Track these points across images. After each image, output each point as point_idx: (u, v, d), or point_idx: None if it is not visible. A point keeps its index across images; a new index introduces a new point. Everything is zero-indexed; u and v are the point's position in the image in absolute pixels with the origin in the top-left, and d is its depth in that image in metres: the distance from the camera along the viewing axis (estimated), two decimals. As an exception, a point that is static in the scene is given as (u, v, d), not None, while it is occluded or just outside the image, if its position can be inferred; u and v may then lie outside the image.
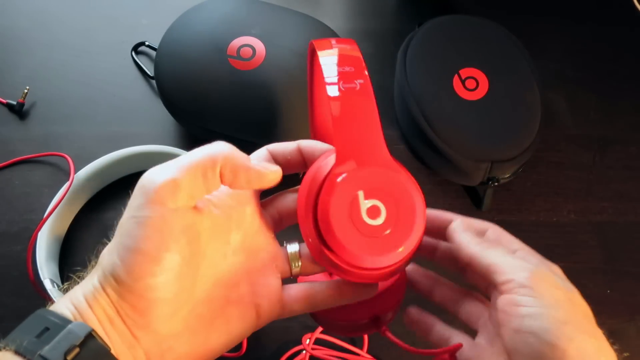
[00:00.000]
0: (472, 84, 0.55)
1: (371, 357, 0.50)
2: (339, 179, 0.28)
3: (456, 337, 0.33)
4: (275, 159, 0.32)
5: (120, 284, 0.26)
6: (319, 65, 0.30)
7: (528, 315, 0.25)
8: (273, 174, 0.30)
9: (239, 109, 0.53)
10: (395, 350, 0.51)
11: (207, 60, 0.53)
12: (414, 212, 0.29)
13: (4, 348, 0.25)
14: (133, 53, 0.63)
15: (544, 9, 0.70)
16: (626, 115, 0.64)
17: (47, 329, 0.25)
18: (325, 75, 0.29)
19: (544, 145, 0.59)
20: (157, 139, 0.58)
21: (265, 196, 0.34)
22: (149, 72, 0.62)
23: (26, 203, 0.55)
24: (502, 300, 0.27)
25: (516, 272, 0.26)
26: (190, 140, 0.59)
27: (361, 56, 0.30)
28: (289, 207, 0.33)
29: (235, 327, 0.30)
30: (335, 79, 0.29)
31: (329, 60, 0.30)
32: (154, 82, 0.59)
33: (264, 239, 0.32)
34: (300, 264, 0.33)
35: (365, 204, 0.28)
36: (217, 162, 0.28)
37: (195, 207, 0.29)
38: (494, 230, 0.32)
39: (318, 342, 0.50)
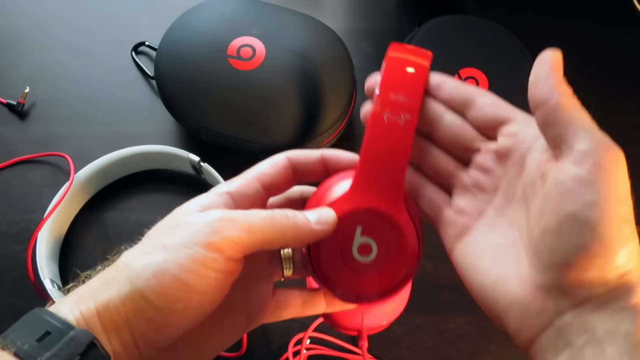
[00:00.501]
0: (472, 84, 0.55)
1: (371, 356, 0.50)
2: (341, 213, 0.28)
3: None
4: (295, 167, 0.32)
5: (146, 301, 0.26)
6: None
7: (592, 203, 0.22)
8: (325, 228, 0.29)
9: (239, 109, 0.53)
10: (394, 350, 0.51)
11: (207, 60, 0.54)
12: (405, 259, 0.29)
13: (2, 348, 0.24)
14: (133, 53, 0.63)
15: (544, 9, 0.70)
16: (626, 115, 0.64)
17: (48, 332, 0.25)
18: (376, 93, 0.28)
19: (544, 145, 0.59)
20: (157, 139, 0.58)
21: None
22: (149, 72, 0.62)
23: (26, 203, 0.55)
24: (562, 172, 0.23)
25: (594, 146, 0.23)
26: (190, 140, 0.59)
27: (425, 78, 0.29)
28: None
29: (228, 335, 0.31)
30: (383, 105, 0.28)
31: (388, 78, 0.28)
32: (154, 82, 0.59)
33: None
34: (292, 266, 0.33)
35: (359, 240, 0.28)
36: (284, 238, 0.28)
37: (240, 260, 0.28)
38: (486, 96, 0.29)
39: (318, 341, 0.50)
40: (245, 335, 0.48)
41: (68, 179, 0.52)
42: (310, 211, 0.28)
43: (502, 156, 0.29)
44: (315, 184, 0.33)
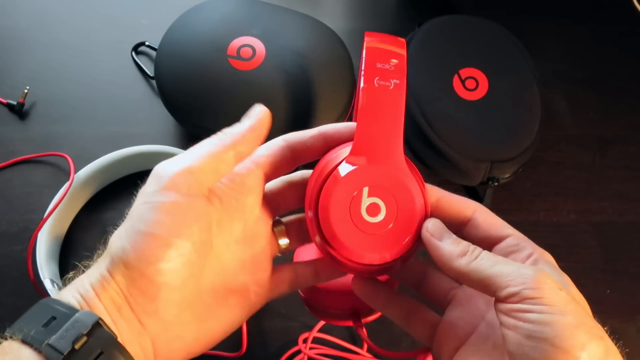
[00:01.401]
0: (472, 84, 0.55)
1: (371, 356, 0.50)
2: (345, 173, 0.28)
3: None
4: (293, 147, 0.32)
5: (129, 268, 0.26)
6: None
7: (540, 321, 0.24)
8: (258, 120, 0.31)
9: (239, 109, 0.52)
10: (394, 350, 0.51)
11: (207, 60, 0.54)
12: (413, 216, 0.29)
13: (10, 337, 0.25)
14: (133, 53, 0.63)
15: (544, 9, 0.70)
16: (626, 115, 0.64)
17: (53, 318, 0.25)
18: (363, 67, 0.30)
19: (544, 145, 0.59)
20: (157, 139, 0.58)
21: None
22: (149, 72, 0.62)
23: (26, 203, 0.55)
24: (508, 307, 0.26)
25: (517, 284, 0.25)
26: (190, 140, 0.59)
27: (405, 56, 0.31)
28: (295, 196, 0.33)
29: (235, 315, 0.31)
30: (372, 74, 0.29)
31: (372, 54, 0.30)
32: (154, 82, 0.59)
33: (263, 227, 0.32)
34: (287, 241, 0.33)
35: (367, 200, 0.29)
36: (229, 149, 0.29)
37: (207, 197, 0.29)
38: (480, 213, 0.31)
39: (318, 341, 0.50)
40: (245, 335, 0.48)
41: (68, 179, 0.52)
42: (243, 119, 0.31)
43: None
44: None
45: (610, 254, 0.56)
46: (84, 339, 0.24)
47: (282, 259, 0.34)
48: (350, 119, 0.58)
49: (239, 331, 0.48)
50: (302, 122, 0.53)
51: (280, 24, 0.56)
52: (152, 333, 0.27)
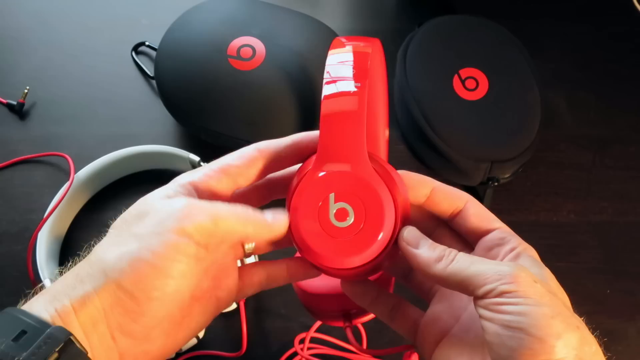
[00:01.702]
0: (472, 84, 0.55)
1: (369, 356, 0.50)
2: (310, 181, 0.29)
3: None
4: (267, 157, 0.31)
5: (121, 290, 0.26)
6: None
7: (516, 312, 0.25)
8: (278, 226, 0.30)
9: (239, 109, 0.53)
10: (397, 345, 0.50)
11: (207, 60, 0.54)
12: (381, 217, 0.29)
13: None
14: (133, 53, 0.63)
15: (543, 9, 0.70)
16: (626, 115, 0.64)
17: (24, 332, 0.25)
18: (325, 75, 0.30)
19: (544, 145, 0.59)
20: (157, 139, 0.58)
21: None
22: (149, 72, 0.62)
23: (26, 203, 0.55)
24: (486, 301, 0.26)
25: (494, 280, 0.26)
26: (190, 140, 0.59)
27: (368, 55, 0.31)
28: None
29: (198, 322, 0.31)
30: (332, 79, 0.30)
31: (334, 60, 0.30)
32: (154, 82, 0.59)
33: None
34: (253, 245, 0.33)
35: (334, 206, 0.29)
36: (245, 231, 0.29)
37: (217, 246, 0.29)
38: (472, 204, 0.31)
39: (317, 341, 0.50)
40: (245, 336, 0.48)
41: (68, 179, 0.52)
42: (268, 211, 0.30)
43: None
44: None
45: (610, 254, 0.56)
46: (55, 355, 0.24)
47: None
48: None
49: (239, 331, 0.48)
50: (302, 122, 0.53)
51: (280, 24, 0.56)
52: (121, 349, 0.27)
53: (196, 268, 0.28)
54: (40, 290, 0.28)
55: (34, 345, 0.24)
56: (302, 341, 0.48)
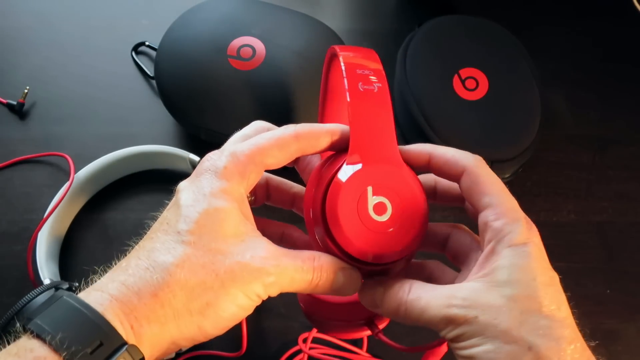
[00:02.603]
0: (472, 84, 0.55)
1: (370, 356, 0.50)
2: (348, 175, 0.29)
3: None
4: (303, 144, 0.30)
5: (202, 331, 0.26)
6: (337, 69, 0.31)
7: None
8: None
9: (239, 109, 0.53)
10: (394, 350, 0.50)
11: (207, 60, 0.54)
12: (418, 212, 0.29)
13: (54, 350, 0.23)
14: (133, 53, 0.63)
15: (543, 9, 0.70)
16: (626, 115, 0.64)
17: (101, 344, 0.23)
18: (345, 75, 0.30)
19: (544, 145, 0.59)
20: (157, 139, 0.58)
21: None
22: (149, 72, 0.62)
23: (26, 203, 0.55)
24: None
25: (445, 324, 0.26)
26: (190, 140, 0.59)
27: (381, 65, 0.31)
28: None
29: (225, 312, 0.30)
30: (355, 80, 0.30)
31: (350, 63, 0.31)
32: (154, 82, 0.59)
33: None
34: (253, 198, 0.34)
35: (372, 200, 0.29)
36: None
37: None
38: (468, 174, 0.29)
39: (317, 341, 0.50)
40: (245, 335, 0.48)
41: (68, 179, 0.52)
42: (339, 271, 0.29)
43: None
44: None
45: (610, 254, 0.56)
46: None
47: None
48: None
49: (239, 331, 0.48)
50: (302, 122, 0.53)
51: (280, 24, 0.56)
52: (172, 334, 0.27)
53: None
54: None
55: None
56: (304, 340, 0.48)
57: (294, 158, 0.30)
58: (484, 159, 0.54)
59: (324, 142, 0.30)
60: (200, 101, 0.53)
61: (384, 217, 0.29)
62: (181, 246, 0.26)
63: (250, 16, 0.56)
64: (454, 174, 0.30)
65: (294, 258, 0.28)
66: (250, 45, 0.54)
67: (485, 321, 0.25)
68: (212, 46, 0.54)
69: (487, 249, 0.27)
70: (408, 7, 0.70)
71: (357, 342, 0.51)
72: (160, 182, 0.57)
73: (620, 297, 0.54)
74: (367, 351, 0.50)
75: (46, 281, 0.47)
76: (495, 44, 0.58)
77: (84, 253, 0.54)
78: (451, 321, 0.25)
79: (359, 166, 0.29)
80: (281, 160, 0.30)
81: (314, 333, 0.49)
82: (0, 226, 0.54)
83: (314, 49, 0.55)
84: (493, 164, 0.53)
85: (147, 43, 0.64)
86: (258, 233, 0.28)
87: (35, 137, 0.59)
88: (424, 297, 0.27)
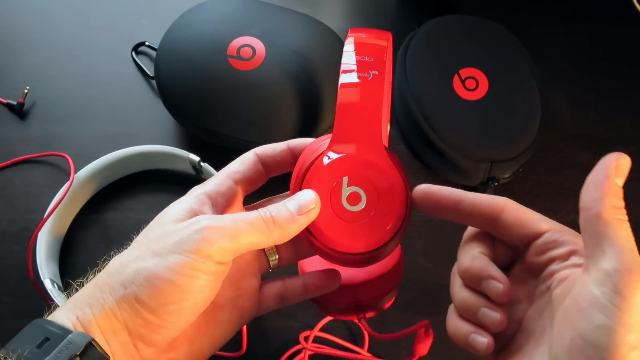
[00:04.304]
0: (472, 84, 0.55)
1: (371, 355, 0.50)
2: (324, 164, 0.29)
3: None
4: (264, 161, 0.33)
5: (141, 304, 0.27)
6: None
7: (602, 326, 0.22)
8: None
9: (239, 109, 0.53)
10: (394, 350, 0.51)
11: (207, 60, 0.54)
12: (396, 202, 0.29)
13: (4, 358, 0.25)
14: (133, 53, 0.63)
15: (543, 9, 0.70)
16: (626, 115, 0.64)
17: (47, 339, 0.25)
18: (342, 62, 0.30)
19: (544, 145, 0.59)
20: (157, 139, 0.58)
21: (255, 198, 0.35)
22: (149, 72, 0.62)
23: (26, 203, 0.55)
24: (581, 289, 0.24)
25: (618, 265, 0.23)
26: (190, 140, 0.59)
27: (386, 47, 0.31)
28: None
29: (224, 331, 0.32)
30: (351, 67, 0.30)
31: (351, 48, 0.30)
32: (154, 82, 0.59)
33: None
34: (277, 257, 0.34)
35: (347, 190, 0.29)
36: (269, 238, 0.28)
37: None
38: (510, 211, 0.29)
39: (318, 340, 0.50)
40: (245, 335, 0.48)
41: (68, 179, 0.52)
42: (291, 200, 0.29)
43: (533, 271, 0.29)
44: (286, 177, 0.33)
45: (610, 254, 0.56)
46: (77, 359, 0.25)
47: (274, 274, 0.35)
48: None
49: (239, 331, 0.48)
50: (302, 122, 0.53)
51: (280, 24, 0.56)
52: (145, 357, 0.28)
53: (216, 282, 0.28)
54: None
55: (55, 350, 0.25)
56: (306, 339, 0.48)
57: (262, 175, 0.33)
58: (484, 159, 0.55)
59: (283, 156, 0.32)
60: (200, 101, 0.53)
61: (358, 207, 0.29)
62: (129, 250, 0.29)
63: (250, 16, 0.56)
64: (489, 213, 0.29)
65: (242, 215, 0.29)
66: (250, 45, 0.54)
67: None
68: (212, 46, 0.54)
69: (571, 260, 0.27)
70: (408, 7, 0.70)
71: (359, 342, 0.51)
72: (160, 182, 0.57)
73: (620, 297, 0.54)
74: (368, 351, 0.50)
75: (46, 281, 0.47)
76: (495, 44, 0.58)
77: (84, 253, 0.54)
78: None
79: (337, 155, 0.29)
80: (244, 171, 0.32)
81: (315, 332, 0.49)
82: (0, 226, 0.54)
83: (314, 49, 0.55)
84: (493, 164, 0.53)
85: (147, 43, 0.64)
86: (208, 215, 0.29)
87: (35, 137, 0.59)
88: None
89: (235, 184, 0.32)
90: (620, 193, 0.26)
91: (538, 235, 0.28)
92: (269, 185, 0.35)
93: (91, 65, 0.63)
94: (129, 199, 0.56)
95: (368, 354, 0.50)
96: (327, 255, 0.30)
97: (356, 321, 0.38)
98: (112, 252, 0.30)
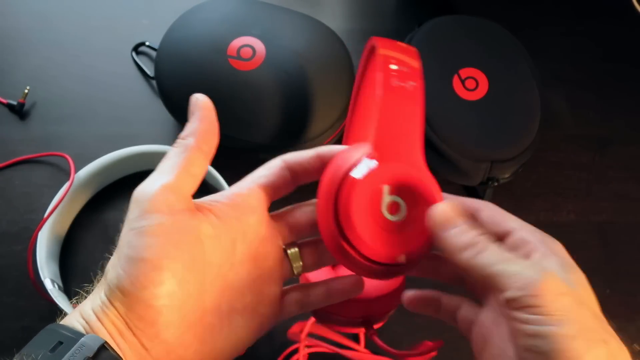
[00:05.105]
0: (472, 84, 0.55)
1: (367, 351, 0.50)
2: (367, 170, 0.28)
3: (465, 305, 0.32)
4: (292, 168, 0.32)
5: (126, 295, 0.27)
6: (375, 61, 0.30)
7: (536, 335, 0.24)
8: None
9: (239, 109, 0.53)
10: (397, 345, 0.50)
11: (207, 60, 0.54)
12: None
13: None
14: (133, 53, 0.63)
15: (543, 9, 0.70)
16: (626, 115, 0.64)
17: (60, 342, 0.26)
18: (380, 68, 0.29)
19: (544, 145, 0.59)
20: (157, 139, 0.58)
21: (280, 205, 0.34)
22: (149, 72, 0.62)
23: (26, 203, 0.55)
24: (509, 313, 0.25)
25: (518, 288, 0.24)
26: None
27: (419, 64, 0.31)
28: (305, 218, 0.33)
29: (241, 336, 0.31)
30: (389, 75, 0.29)
31: (388, 57, 0.30)
32: (154, 82, 0.59)
33: (271, 247, 0.32)
34: (301, 264, 0.33)
35: (387, 198, 0.28)
36: (195, 151, 0.30)
37: (191, 212, 0.29)
38: (488, 210, 0.30)
39: (318, 339, 0.50)
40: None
41: (68, 179, 0.52)
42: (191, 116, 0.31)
43: None
44: (316, 183, 0.33)
45: (610, 254, 0.56)
46: None
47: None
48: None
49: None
50: (302, 122, 0.53)
51: (280, 24, 0.56)
52: (155, 356, 0.27)
53: (180, 239, 0.28)
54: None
55: (68, 353, 0.25)
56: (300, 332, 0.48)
57: (289, 184, 0.32)
58: (484, 159, 0.55)
59: (312, 164, 0.32)
60: (200, 101, 0.53)
61: (398, 217, 0.28)
62: None
63: (250, 16, 0.56)
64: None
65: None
66: (250, 45, 0.54)
67: (558, 306, 0.25)
68: (212, 46, 0.54)
69: (534, 258, 0.28)
70: (408, 7, 0.70)
71: (355, 337, 0.51)
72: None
73: (620, 297, 0.54)
74: (365, 347, 0.50)
75: (46, 281, 0.47)
76: (495, 44, 0.58)
77: (84, 253, 0.54)
78: (526, 287, 0.25)
79: (378, 163, 0.28)
80: (269, 175, 0.32)
81: (309, 325, 0.49)
82: (1, 226, 0.54)
83: (314, 49, 0.55)
84: (493, 164, 0.53)
85: (147, 43, 0.64)
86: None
87: (36, 137, 0.59)
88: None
89: (259, 189, 0.31)
90: (459, 229, 0.27)
91: (507, 233, 0.29)
92: (298, 193, 0.34)
93: (91, 65, 0.63)
94: (129, 199, 0.56)
95: (364, 350, 0.50)
96: (359, 265, 0.29)
97: (361, 334, 0.38)
98: (108, 252, 0.30)
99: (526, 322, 0.24)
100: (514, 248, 0.29)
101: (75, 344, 0.25)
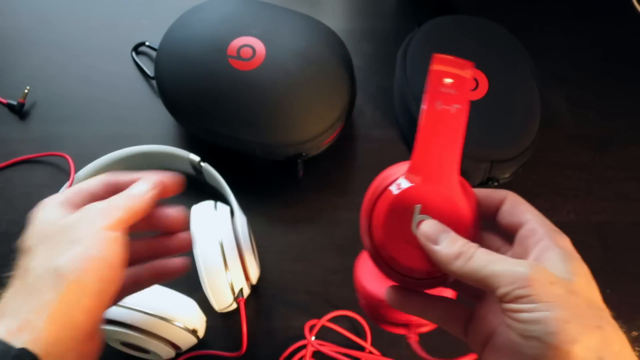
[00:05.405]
0: (472, 84, 0.55)
1: (375, 349, 0.50)
2: (400, 189, 0.30)
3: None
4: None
5: (83, 287, 0.31)
6: (429, 77, 0.31)
7: (530, 320, 0.25)
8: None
9: (239, 109, 0.53)
10: (394, 350, 0.51)
11: (207, 60, 0.54)
12: (464, 236, 0.30)
13: None
14: (133, 53, 0.63)
15: (543, 9, 0.70)
16: (626, 115, 0.64)
17: None
18: (427, 89, 0.31)
19: (544, 145, 0.59)
20: (157, 139, 0.58)
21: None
22: (149, 72, 0.62)
23: (27, 203, 0.55)
24: (504, 306, 0.26)
25: (508, 284, 0.25)
26: (190, 140, 0.59)
27: (471, 82, 0.32)
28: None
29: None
30: (434, 97, 0.30)
31: (438, 77, 0.31)
32: (154, 82, 0.59)
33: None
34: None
35: (418, 217, 0.30)
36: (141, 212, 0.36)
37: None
38: (510, 200, 0.32)
39: (323, 331, 0.50)
40: (245, 335, 0.48)
41: (68, 179, 0.52)
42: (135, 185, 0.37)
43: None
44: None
45: (610, 254, 0.56)
46: None
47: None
48: (348, 123, 0.58)
49: (239, 331, 0.48)
50: (302, 122, 0.53)
51: (280, 24, 0.56)
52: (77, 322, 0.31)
53: (126, 252, 0.34)
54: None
55: None
56: (311, 328, 0.49)
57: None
58: (484, 159, 0.55)
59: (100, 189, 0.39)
60: (200, 101, 0.53)
61: None
62: None
63: (250, 16, 0.56)
64: (493, 203, 0.32)
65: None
66: (250, 45, 0.54)
67: (549, 293, 0.25)
68: (212, 46, 0.54)
69: (536, 250, 0.29)
70: (408, 7, 0.70)
71: (362, 336, 0.51)
72: (160, 182, 0.57)
73: (620, 297, 0.54)
74: (372, 344, 0.50)
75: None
76: (495, 44, 0.58)
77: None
78: (516, 281, 0.26)
79: (413, 184, 0.30)
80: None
81: (323, 322, 0.49)
82: (1, 226, 0.54)
83: (314, 49, 0.55)
84: (493, 164, 0.53)
85: (147, 43, 0.64)
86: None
87: (36, 137, 0.59)
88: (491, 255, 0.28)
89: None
90: (448, 240, 0.29)
91: (522, 224, 0.30)
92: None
93: (91, 65, 0.63)
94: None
95: (373, 348, 0.50)
96: (388, 273, 0.31)
97: (407, 338, 0.40)
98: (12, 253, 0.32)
99: (519, 310, 0.25)
100: (524, 238, 0.30)
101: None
